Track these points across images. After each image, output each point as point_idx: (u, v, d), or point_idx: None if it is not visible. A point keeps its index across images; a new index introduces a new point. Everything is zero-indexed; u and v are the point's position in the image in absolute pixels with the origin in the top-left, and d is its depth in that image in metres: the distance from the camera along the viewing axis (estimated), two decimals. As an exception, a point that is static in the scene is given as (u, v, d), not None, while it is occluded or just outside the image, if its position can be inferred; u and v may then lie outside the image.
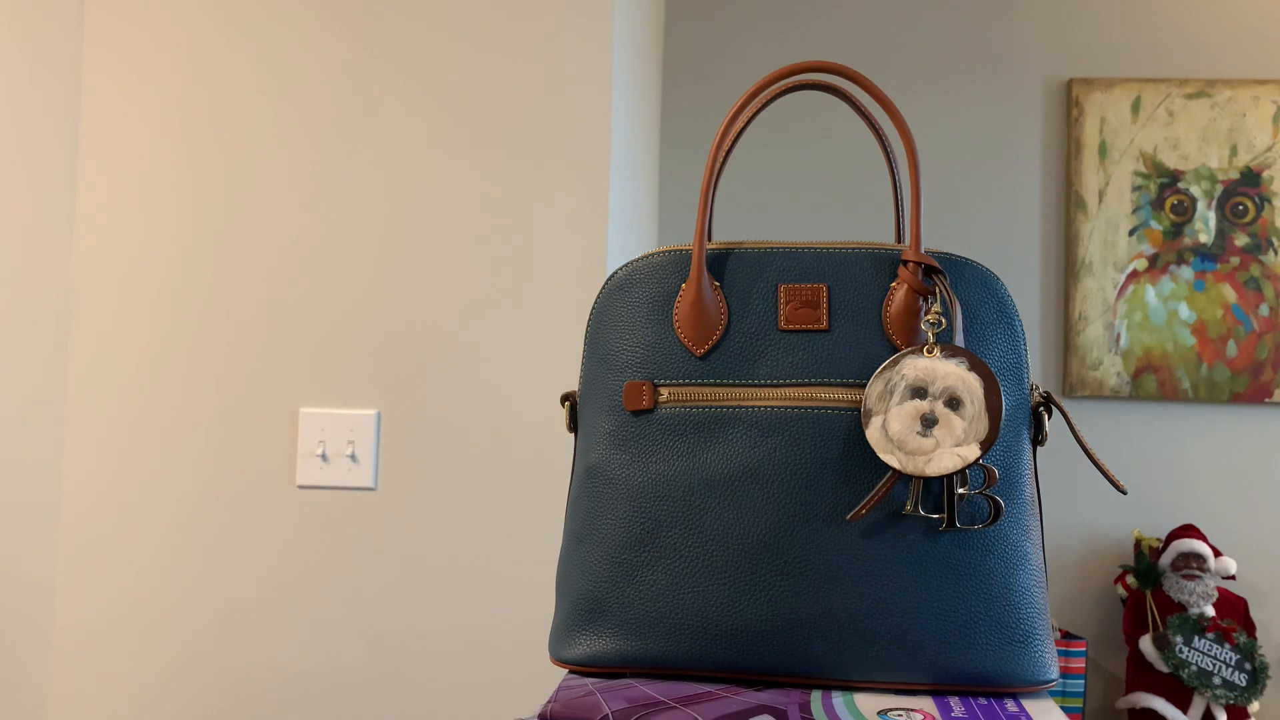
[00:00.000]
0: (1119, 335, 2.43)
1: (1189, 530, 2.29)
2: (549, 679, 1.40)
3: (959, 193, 2.50)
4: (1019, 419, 0.71)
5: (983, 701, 0.67)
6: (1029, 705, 0.67)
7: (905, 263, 0.70)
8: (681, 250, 0.73)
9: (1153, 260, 2.44)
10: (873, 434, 0.67)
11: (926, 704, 0.66)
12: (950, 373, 0.67)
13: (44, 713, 1.45)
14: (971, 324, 0.71)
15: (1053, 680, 0.69)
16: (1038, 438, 0.73)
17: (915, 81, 2.52)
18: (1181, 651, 2.18)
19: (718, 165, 0.75)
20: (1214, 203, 2.43)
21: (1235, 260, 2.42)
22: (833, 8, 2.55)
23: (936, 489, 0.68)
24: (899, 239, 0.85)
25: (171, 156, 1.46)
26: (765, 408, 0.70)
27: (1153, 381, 2.42)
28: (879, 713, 0.64)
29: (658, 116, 2.37)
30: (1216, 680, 2.17)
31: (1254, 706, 2.19)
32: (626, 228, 1.68)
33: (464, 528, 1.42)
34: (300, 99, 1.45)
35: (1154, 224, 2.44)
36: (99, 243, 1.46)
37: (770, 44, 2.54)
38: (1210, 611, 2.23)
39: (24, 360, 1.48)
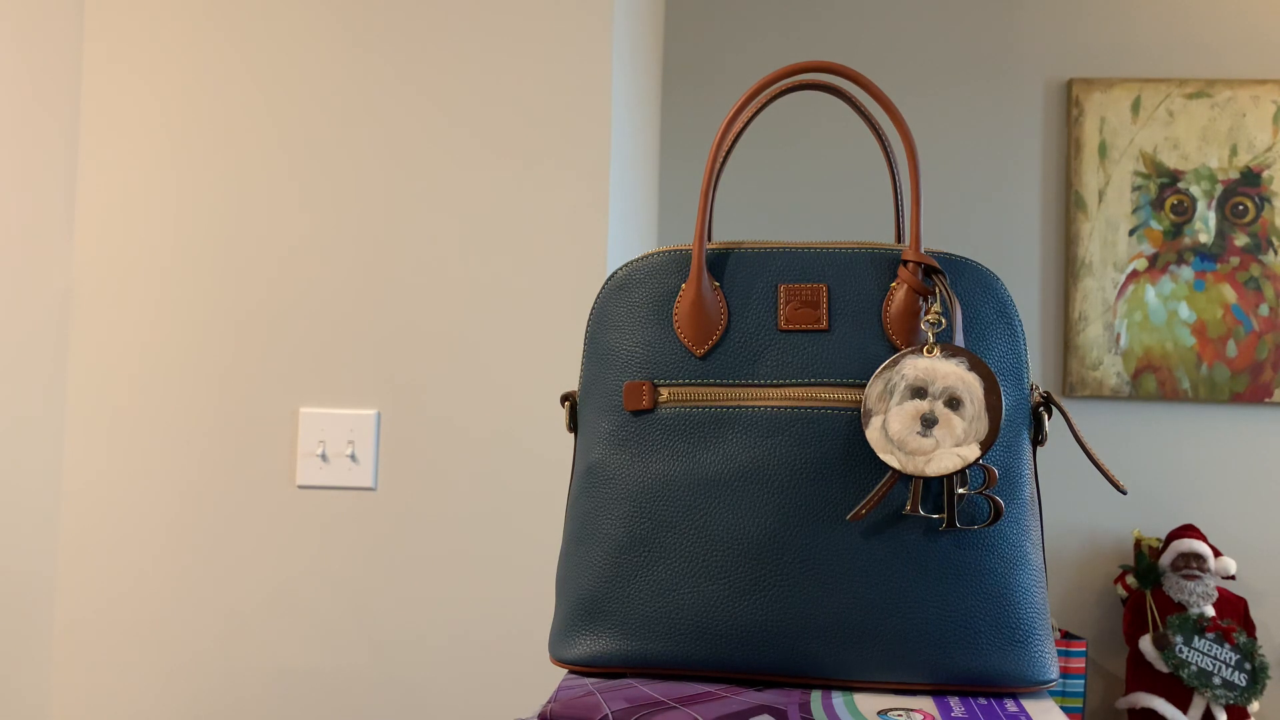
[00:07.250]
0: (1119, 335, 2.43)
1: (1189, 530, 2.29)
2: (549, 679, 1.40)
3: (959, 193, 2.50)
4: (1019, 419, 0.71)
5: (983, 701, 0.67)
6: (1029, 705, 0.67)
7: (905, 263, 0.70)
8: (681, 250, 0.73)
9: (1153, 260, 2.44)
10: (873, 434, 0.67)
11: (926, 704, 0.66)
12: (950, 373, 0.67)
13: (44, 713, 1.45)
14: (971, 324, 0.71)
15: (1053, 680, 0.69)
16: (1038, 438, 0.73)
17: (915, 81, 2.52)
18: (1181, 651, 2.18)
19: (718, 165, 0.75)
20: (1214, 203, 2.43)
21: (1235, 260, 2.42)
22: (833, 8, 2.54)
23: (936, 489, 0.68)
24: (899, 239, 0.85)
25: (171, 156, 1.46)
26: (765, 408, 0.70)
27: (1153, 381, 2.42)
28: (879, 713, 0.64)
29: (658, 116, 2.37)
30: (1216, 680, 2.17)
31: (1254, 706, 2.19)
32: (626, 228, 1.68)
33: (464, 528, 1.42)
34: (301, 100, 1.45)
35: (1154, 224, 2.44)
36: (99, 243, 1.46)
37: (770, 44, 2.54)
38: (1210, 611, 2.23)
39: (24, 360, 1.48)
